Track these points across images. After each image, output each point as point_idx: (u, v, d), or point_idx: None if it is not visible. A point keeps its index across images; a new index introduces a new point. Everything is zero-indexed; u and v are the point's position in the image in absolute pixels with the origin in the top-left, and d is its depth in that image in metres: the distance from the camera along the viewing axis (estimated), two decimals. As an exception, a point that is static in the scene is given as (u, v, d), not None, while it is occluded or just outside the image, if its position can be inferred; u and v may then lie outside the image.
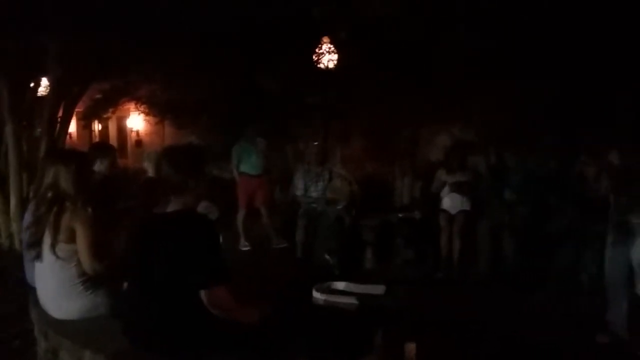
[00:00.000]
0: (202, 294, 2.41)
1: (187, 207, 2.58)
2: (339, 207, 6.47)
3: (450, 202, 6.15)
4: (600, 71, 5.97)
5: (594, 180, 4.94)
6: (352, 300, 4.35)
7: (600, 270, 5.32)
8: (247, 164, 7.03)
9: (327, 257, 6.13)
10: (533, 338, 4.05)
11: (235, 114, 8.09)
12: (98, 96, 10.88)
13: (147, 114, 11.72)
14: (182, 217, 2.54)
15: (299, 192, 6.61)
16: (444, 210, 6.14)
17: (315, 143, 7.26)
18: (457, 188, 6.06)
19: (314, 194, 6.56)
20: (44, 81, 7.36)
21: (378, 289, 4.78)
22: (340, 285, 5.03)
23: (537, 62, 6.37)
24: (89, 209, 3.03)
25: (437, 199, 6.27)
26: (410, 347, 2.53)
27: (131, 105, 11.99)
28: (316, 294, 4.63)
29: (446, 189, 6.16)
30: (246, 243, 7.09)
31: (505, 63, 6.51)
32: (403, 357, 2.54)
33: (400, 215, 6.51)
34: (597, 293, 5.09)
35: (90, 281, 3.08)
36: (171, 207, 2.56)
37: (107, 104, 11.50)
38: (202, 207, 4.00)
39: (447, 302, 4.90)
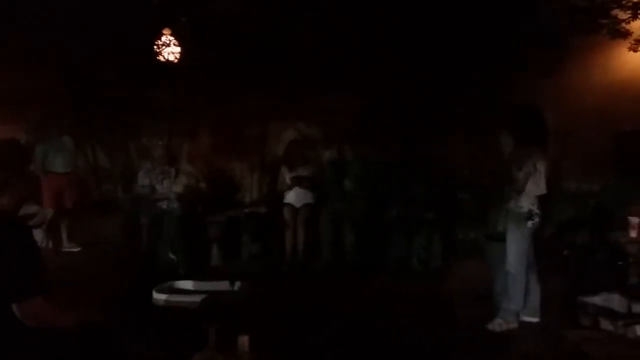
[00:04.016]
0: (14, 307, 2.19)
1: (5, 209, 2.34)
2: (185, 204, 6.31)
3: (295, 195, 6.33)
4: (432, 72, 6.51)
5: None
6: (194, 299, 4.31)
7: (428, 254, 5.89)
8: (53, 162, 6.64)
9: (172, 256, 5.98)
10: (373, 320, 4.30)
11: (68, 108, 7.49)
12: None
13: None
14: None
15: (143, 190, 6.34)
16: (288, 204, 6.29)
17: (160, 142, 7.02)
18: (298, 182, 6.23)
19: (158, 192, 6.33)
20: None
21: (222, 286, 4.80)
22: (183, 284, 4.95)
23: (375, 61, 6.77)
24: None
25: (282, 194, 6.41)
26: (243, 340, 2.55)
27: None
28: (157, 295, 4.51)
29: (290, 183, 6.30)
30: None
31: (346, 62, 6.82)
32: (236, 350, 2.56)
33: (246, 210, 6.53)
34: (427, 275, 5.64)
35: None
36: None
37: None
38: (30, 209, 3.68)
39: (292, 293, 5.05)
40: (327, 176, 6.50)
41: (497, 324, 4.10)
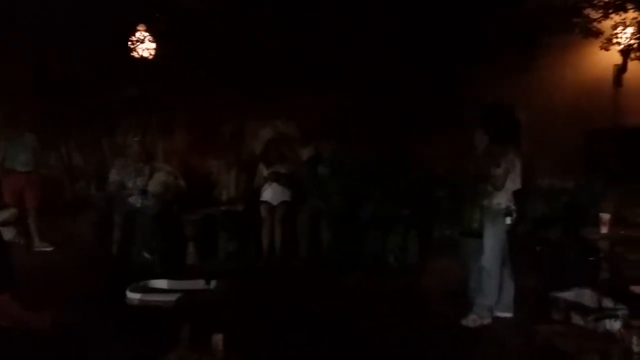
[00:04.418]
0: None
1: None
2: (160, 203, 6.24)
3: (272, 193, 6.31)
4: (408, 70, 6.54)
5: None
6: (169, 298, 4.27)
7: (404, 251, 5.93)
8: (14, 159, 6.52)
9: (146, 255, 5.90)
10: (350, 317, 4.30)
11: (29, 104, 7.34)
12: None
13: None
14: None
15: (115, 188, 6.25)
16: (265, 202, 6.27)
17: (136, 138, 6.92)
18: (275, 178, 6.22)
19: (132, 190, 6.24)
20: None
21: (198, 284, 4.77)
22: (158, 283, 4.91)
23: (352, 59, 6.78)
24: None
25: (260, 191, 6.38)
26: (218, 338, 2.54)
27: None
28: (131, 294, 4.47)
29: (267, 177, 6.29)
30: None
31: (323, 60, 6.83)
32: (210, 348, 2.55)
33: (222, 208, 6.49)
34: (403, 272, 5.68)
35: None
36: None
37: None
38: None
39: (269, 291, 5.03)
40: (304, 174, 6.49)
41: (471, 320, 4.15)
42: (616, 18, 6.47)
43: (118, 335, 3.47)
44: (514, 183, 4.17)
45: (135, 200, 6.15)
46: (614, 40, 6.50)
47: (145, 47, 7.11)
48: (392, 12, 6.50)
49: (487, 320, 4.15)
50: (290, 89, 7.19)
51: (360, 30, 6.66)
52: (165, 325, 3.40)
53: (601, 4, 6.47)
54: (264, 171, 6.42)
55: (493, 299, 4.17)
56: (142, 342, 3.36)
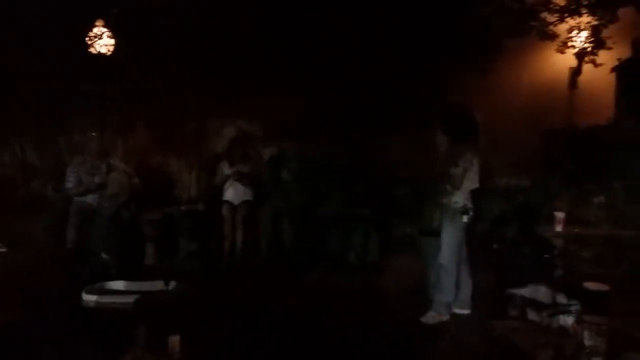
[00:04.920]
0: None
1: None
2: (117, 202, 6.11)
3: (233, 192, 6.26)
4: (369, 70, 6.58)
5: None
6: (126, 299, 4.18)
7: (365, 250, 5.97)
8: None
9: (104, 256, 5.75)
10: (311, 316, 4.31)
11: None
12: None
13: None
14: None
15: (71, 186, 6.08)
16: (227, 201, 6.21)
17: (94, 134, 6.76)
18: (238, 177, 6.17)
19: (88, 188, 6.08)
20: None
21: (156, 285, 4.68)
22: (115, 284, 4.80)
23: (314, 59, 6.78)
24: None
25: (221, 191, 6.32)
26: (174, 340, 2.49)
27: None
28: (87, 296, 4.35)
29: (230, 174, 6.24)
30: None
31: (286, 59, 6.80)
32: (166, 350, 2.50)
33: (183, 208, 6.40)
34: (364, 270, 5.72)
35: None
36: None
37: None
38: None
39: (230, 291, 4.99)
40: (266, 173, 6.46)
41: (430, 317, 4.20)
42: (571, 22, 6.67)
43: (73, 338, 3.37)
44: (471, 182, 4.24)
45: (92, 200, 6.00)
46: (569, 44, 6.71)
47: (103, 43, 6.94)
48: (354, 14, 6.54)
49: (445, 317, 4.21)
50: (252, 88, 7.15)
51: (323, 31, 6.67)
52: (122, 327, 3.32)
53: (557, 8, 6.65)
54: (225, 169, 6.36)
55: (451, 295, 4.23)
56: (97, 344, 3.28)
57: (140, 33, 7.19)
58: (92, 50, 6.92)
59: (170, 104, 7.79)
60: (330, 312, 4.42)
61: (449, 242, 4.21)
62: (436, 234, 4.34)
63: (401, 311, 4.47)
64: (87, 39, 6.97)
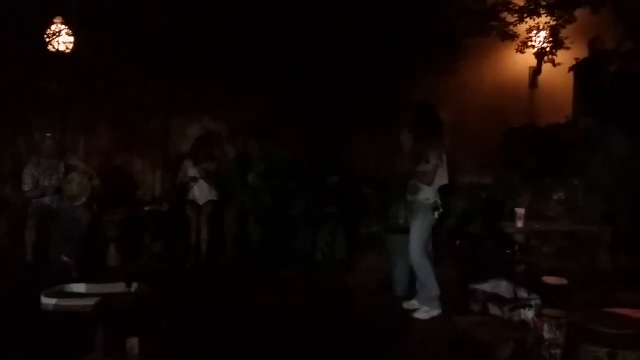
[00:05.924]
0: None
1: None
2: (78, 203, 5.95)
3: (198, 192, 6.19)
4: (335, 70, 6.59)
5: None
6: (86, 302, 4.08)
7: (332, 248, 5.99)
8: None
9: (64, 258, 5.61)
10: (278, 315, 4.30)
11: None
12: None
13: None
14: None
15: (28, 188, 5.90)
16: (192, 201, 6.14)
17: (49, 134, 6.57)
18: (204, 175, 6.11)
19: (46, 190, 5.91)
20: None
21: (118, 287, 4.58)
22: (76, 287, 4.69)
23: (280, 58, 6.76)
24: None
25: (186, 190, 6.24)
26: (133, 342, 2.45)
27: None
28: (46, 300, 4.24)
29: (196, 175, 6.17)
30: None
31: (250, 58, 6.77)
32: (125, 352, 2.45)
33: (146, 208, 6.29)
34: (331, 268, 5.74)
35: None
36: None
37: None
38: None
39: (196, 292, 4.94)
40: (231, 172, 6.41)
41: (424, 312, 4.25)
42: (531, 22, 6.81)
43: (31, 342, 3.29)
44: (441, 179, 4.30)
45: (51, 201, 5.84)
46: (529, 44, 6.85)
47: (62, 40, 6.76)
48: (320, 14, 6.55)
49: (438, 311, 4.26)
50: (218, 86, 7.09)
51: (290, 29, 6.66)
52: (81, 331, 3.25)
53: (516, 8, 6.78)
54: (190, 169, 6.28)
55: (434, 289, 4.27)
56: (56, 348, 3.20)
57: (101, 30, 7.05)
58: (50, 48, 6.73)
59: (134, 103, 7.67)
60: (298, 311, 4.41)
61: (418, 238, 4.26)
62: (403, 231, 4.38)
63: (369, 308, 4.52)
64: (45, 36, 6.79)
